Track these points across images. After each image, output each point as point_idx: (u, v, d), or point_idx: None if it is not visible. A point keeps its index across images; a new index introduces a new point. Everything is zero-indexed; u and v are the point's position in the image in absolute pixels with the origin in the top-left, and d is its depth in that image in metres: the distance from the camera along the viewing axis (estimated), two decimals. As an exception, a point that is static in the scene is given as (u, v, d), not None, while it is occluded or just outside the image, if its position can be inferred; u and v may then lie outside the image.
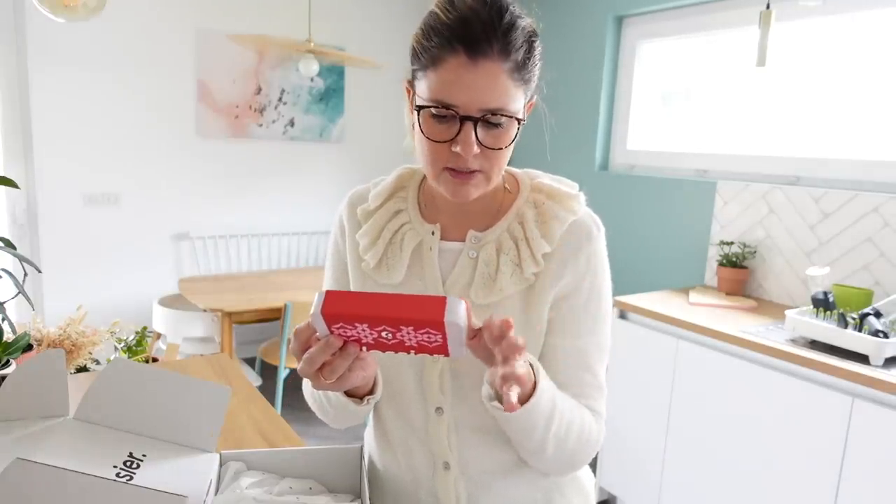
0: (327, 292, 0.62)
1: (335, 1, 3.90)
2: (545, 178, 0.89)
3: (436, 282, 0.85)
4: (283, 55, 3.78)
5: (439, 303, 0.59)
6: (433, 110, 0.74)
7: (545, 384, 0.74)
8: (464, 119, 0.72)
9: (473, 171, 0.76)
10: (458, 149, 0.73)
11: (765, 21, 2.14)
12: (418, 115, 0.76)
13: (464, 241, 0.86)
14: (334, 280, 0.96)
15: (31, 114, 3.19)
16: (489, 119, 0.73)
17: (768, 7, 2.15)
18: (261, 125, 3.83)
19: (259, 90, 3.79)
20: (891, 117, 2.24)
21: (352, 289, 0.92)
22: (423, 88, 0.75)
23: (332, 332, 0.64)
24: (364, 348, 0.67)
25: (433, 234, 0.87)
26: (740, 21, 2.67)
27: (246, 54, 3.70)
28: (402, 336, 0.62)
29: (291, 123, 3.94)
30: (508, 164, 0.91)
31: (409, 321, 0.59)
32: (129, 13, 3.32)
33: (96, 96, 3.33)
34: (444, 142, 0.74)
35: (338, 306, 0.61)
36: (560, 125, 3.46)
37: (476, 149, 0.73)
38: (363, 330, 0.62)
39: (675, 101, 3.08)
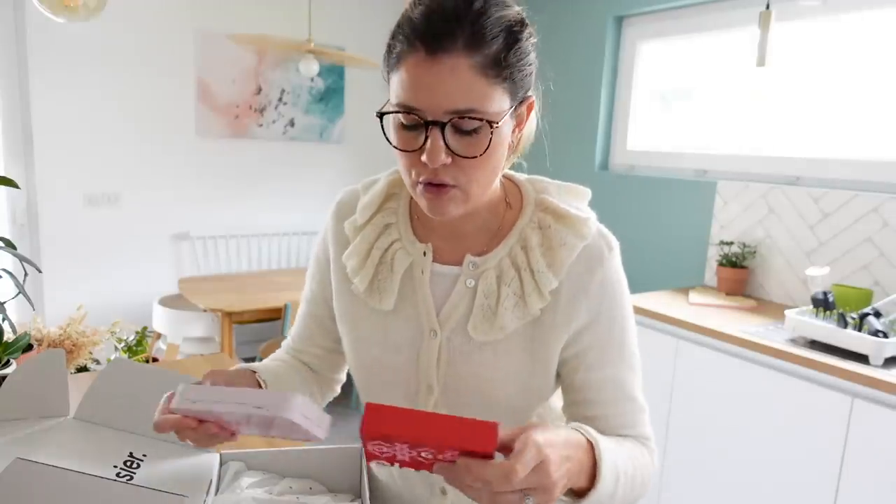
0: (367, 406, 0.55)
1: (335, 1, 3.90)
2: (552, 191, 0.79)
3: (429, 311, 0.78)
4: (283, 55, 3.77)
5: (491, 431, 0.54)
6: (400, 116, 0.65)
7: (606, 471, 0.65)
8: (429, 124, 0.63)
9: (447, 186, 0.67)
10: (424, 158, 0.64)
11: (765, 21, 2.14)
12: (381, 123, 0.68)
13: (460, 265, 0.78)
14: (311, 293, 0.91)
15: (31, 114, 3.18)
16: (458, 124, 0.63)
17: (768, 7, 2.15)
18: (261, 125, 3.83)
19: (259, 90, 3.79)
20: (891, 117, 2.24)
21: (337, 313, 0.86)
22: (391, 93, 0.67)
23: (366, 449, 0.58)
24: (397, 465, 0.61)
25: (425, 255, 0.79)
26: (740, 21, 2.67)
27: (246, 54, 3.70)
28: (442, 457, 0.56)
29: (291, 123, 3.94)
30: (511, 169, 0.84)
31: (457, 447, 0.53)
32: (129, 13, 3.32)
33: (96, 96, 3.33)
34: (414, 151, 0.66)
35: (380, 425, 0.54)
36: (560, 125, 3.46)
37: (446, 157, 0.64)
38: (401, 449, 0.57)
39: (675, 101, 3.08)
